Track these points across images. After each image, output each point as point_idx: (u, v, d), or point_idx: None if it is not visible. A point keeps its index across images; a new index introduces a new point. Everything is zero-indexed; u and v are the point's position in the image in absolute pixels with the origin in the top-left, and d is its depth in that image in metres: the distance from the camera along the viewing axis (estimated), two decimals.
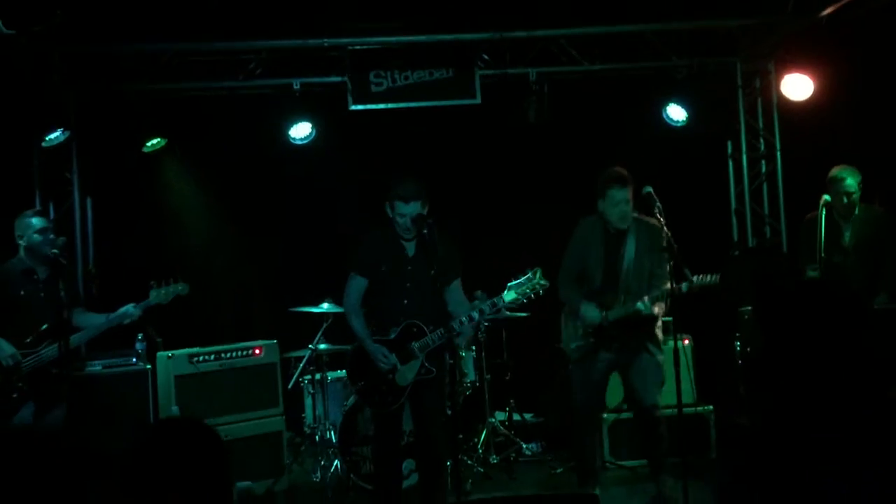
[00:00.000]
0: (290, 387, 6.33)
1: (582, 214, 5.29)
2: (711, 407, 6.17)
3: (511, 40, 6.68)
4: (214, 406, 5.72)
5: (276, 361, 6.10)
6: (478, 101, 6.84)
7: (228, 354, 5.91)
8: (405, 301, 4.64)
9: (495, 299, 4.64)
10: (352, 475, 5.71)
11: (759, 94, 7.31)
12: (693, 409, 5.79)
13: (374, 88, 6.81)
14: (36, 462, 1.84)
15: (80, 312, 5.15)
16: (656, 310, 4.91)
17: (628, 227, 5.03)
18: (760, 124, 7.35)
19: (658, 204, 4.92)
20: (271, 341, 6.10)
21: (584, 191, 6.02)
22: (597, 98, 7.09)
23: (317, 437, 6.15)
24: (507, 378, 6.71)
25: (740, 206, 7.38)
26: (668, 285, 4.74)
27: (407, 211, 4.59)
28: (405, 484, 5.39)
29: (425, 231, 4.51)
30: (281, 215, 7.33)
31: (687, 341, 6.09)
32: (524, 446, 6.51)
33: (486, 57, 6.89)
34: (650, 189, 4.98)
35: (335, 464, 5.95)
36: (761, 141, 7.37)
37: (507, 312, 5.71)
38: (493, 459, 6.26)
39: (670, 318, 5.32)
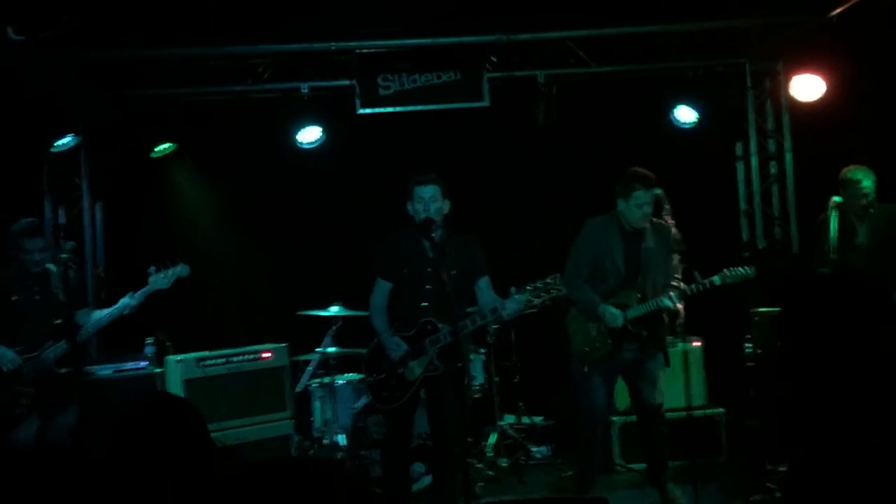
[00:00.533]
0: (298, 390, 6.33)
1: (591, 216, 5.27)
2: (723, 409, 6.14)
3: (519, 42, 6.68)
4: (223, 410, 5.73)
5: (284, 365, 6.10)
6: (486, 103, 6.83)
7: (237, 358, 5.92)
8: (425, 303, 4.66)
9: (510, 298, 4.53)
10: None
11: (769, 94, 7.28)
12: (703, 411, 5.77)
13: (382, 92, 6.81)
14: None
15: (85, 313, 5.09)
16: (680, 306, 4.93)
17: (644, 227, 5.04)
18: (770, 125, 7.31)
19: (668, 205, 4.93)
20: (280, 345, 6.10)
21: (593, 192, 6.01)
22: (605, 100, 7.07)
23: (325, 441, 6.15)
24: (516, 381, 6.69)
25: (750, 207, 7.34)
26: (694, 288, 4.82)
27: (426, 194, 4.59)
28: (416, 487, 5.40)
29: (433, 234, 4.51)
30: (289, 219, 7.34)
31: (698, 343, 6.07)
32: (533, 449, 6.49)
33: (493, 59, 6.88)
34: (660, 190, 4.99)
35: None
36: (771, 142, 7.33)
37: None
38: (503, 463, 6.24)
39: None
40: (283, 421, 6.01)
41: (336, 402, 6.14)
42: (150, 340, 6.11)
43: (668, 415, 5.18)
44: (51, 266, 4.84)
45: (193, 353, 5.83)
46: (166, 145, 6.76)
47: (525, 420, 6.76)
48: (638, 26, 6.68)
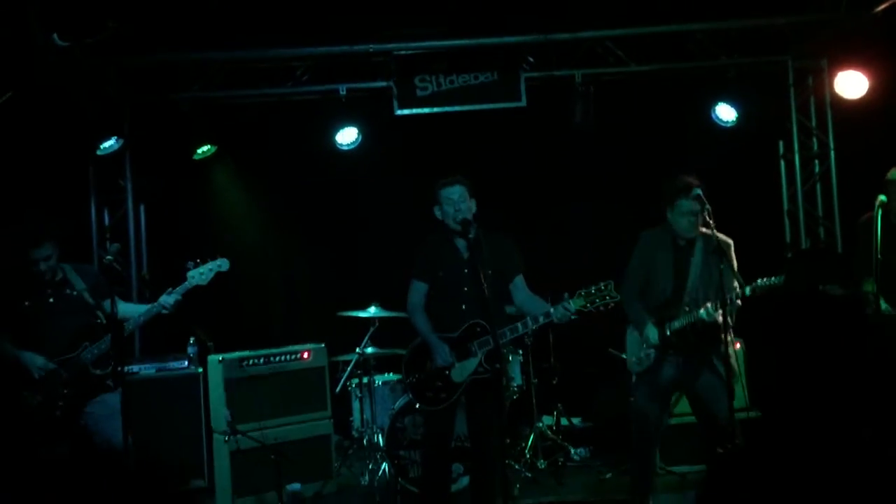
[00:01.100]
0: (337, 390, 6.38)
1: (631, 215, 5.24)
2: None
3: (556, 42, 6.65)
4: (264, 409, 5.78)
5: (324, 365, 6.14)
6: (523, 103, 6.82)
7: (277, 358, 5.97)
8: (463, 306, 4.63)
9: (563, 304, 4.49)
10: (399, 479, 5.72)
11: (812, 92, 7.17)
12: (746, 413, 5.69)
13: (419, 93, 6.84)
14: None
15: (118, 302, 4.80)
16: (719, 318, 4.76)
17: (695, 236, 4.95)
18: (813, 123, 7.20)
19: (707, 206, 4.85)
20: (319, 345, 6.15)
21: (633, 192, 5.97)
22: (644, 99, 7.01)
23: (364, 441, 6.19)
24: (555, 382, 6.67)
25: (793, 207, 7.23)
26: (736, 295, 4.68)
27: (454, 195, 4.59)
28: (454, 487, 5.41)
29: (471, 235, 4.52)
30: (328, 220, 7.40)
31: (738, 345, 5.99)
32: (572, 451, 6.47)
33: (531, 59, 6.86)
34: (699, 191, 4.91)
35: (383, 467, 5.98)
36: (814, 140, 7.22)
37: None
38: (541, 464, 6.23)
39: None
40: (322, 420, 6.05)
41: (374, 402, 6.18)
42: (192, 340, 6.21)
43: None
44: (65, 266, 4.76)
45: (234, 352, 5.90)
46: (208, 147, 6.86)
47: (564, 422, 6.74)
48: (677, 24, 6.61)
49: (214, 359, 5.84)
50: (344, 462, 6.37)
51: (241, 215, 7.48)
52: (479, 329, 4.58)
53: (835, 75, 6.65)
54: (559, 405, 6.73)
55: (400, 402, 5.87)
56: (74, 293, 4.76)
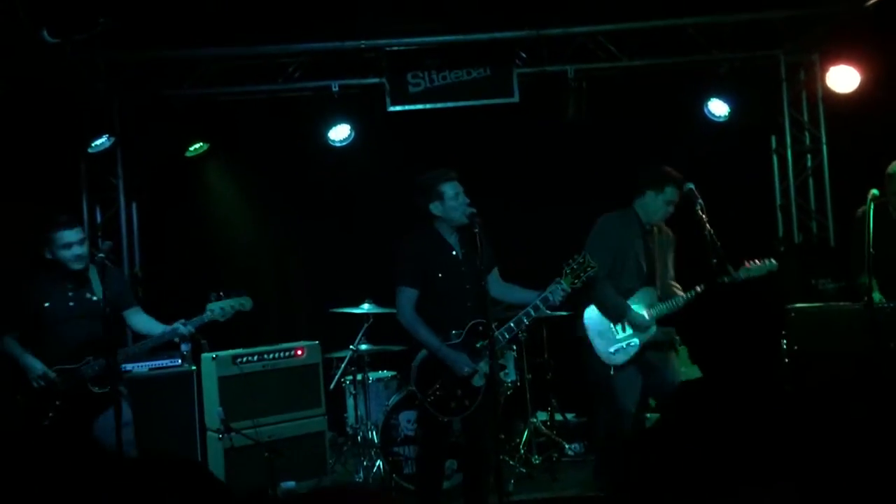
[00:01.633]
0: (332, 387, 6.37)
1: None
2: None
3: (548, 37, 6.65)
4: (257, 407, 5.77)
5: (318, 362, 6.14)
6: (516, 99, 6.82)
7: (271, 355, 5.97)
8: (468, 303, 4.50)
9: (557, 285, 4.45)
10: (394, 475, 5.72)
11: (804, 86, 7.19)
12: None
13: (411, 89, 6.83)
14: None
15: (135, 312, 4.85)
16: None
17: (659, 224, 5.07)
18: (805, 118, 7.22)
19: (700, 201, 4.87)
20: (313, 342, 6.14)
21: (625, 187, 5.95)
22: (636, 94, 7.01)
23: (359, 438, 6.19)
24: (549, 377, 6.67)
25: (786, 201, 7.25)
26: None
27: (459, 188, 4.52)
28: (447, 484, 5.39)
29: (476, 230, 4.41)
30: (321, 217, 7.39)
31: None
32: (566, 446, 6.48)
33: (523, 55, 6.86)
34: (692, 186, 4.93)
35: (377, 464, 5.98)
36: (806, 135, 7.23)
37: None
38: (536, 460, 6.23)
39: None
40: (316, 417, 6.04)
41: (369, 398, 6.17)
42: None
43: None
44: (92, 267, 4.62)
45: (228, 350, 5.89)
46: (200, 145, 6.84)
47: (558, 417, 6.75)
48: (669, 19, 6.61)
49: (208, 356, 5.83)
50: (338, 459, 6.37)
51: (234, 212, 7.47)
52: (480, 328, 4.47)
53: (827, 70, 6.67)
54: (553, 400, 6.73)
55: (394, 399, 5.87)
56: (94, 298, 4.59)
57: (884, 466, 1.82)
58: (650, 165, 5.10)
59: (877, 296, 5.27)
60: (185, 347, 6.18)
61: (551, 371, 6.67)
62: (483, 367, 4.47)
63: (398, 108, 6.84)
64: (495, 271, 4.73)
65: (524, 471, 6.06)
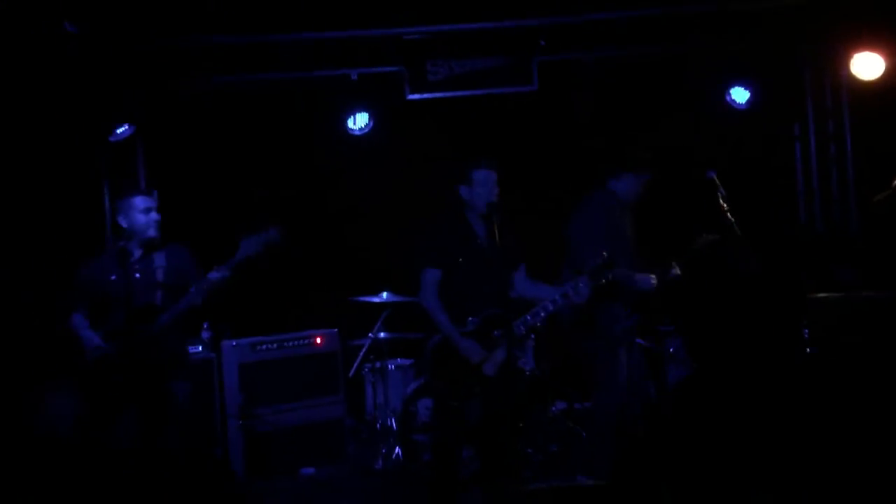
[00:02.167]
0: (350, 375, 6.41)
1: (644, 197, 5.18)
2: None
3: (568, 25, 6.60)
4: (277, 393, 5.83)
5: (337, 350, 6.18)
6: (535, 87, 6.79)
7: (291, 343, 6.02)
8: (487, 291, 4.50)
9: (577, 283, 4.42)
10: (412, 462, 5.75)
11: (827, 73, 7.09)
12: None
13: (431, 77, 6.80)
14: None
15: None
16: None
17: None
18: (829, 104, 7.12)
19: (721, 190, 4.83)
20: (332, 330, 6.18)
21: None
22: (658, 81, 6.95)
23: (377, 425, 6.22)
24: (568, 366, 6.66)
25: (808, 189, 7.18)
26: None
27: (491, 178, 4.52)
28: (463, 472, 5.41)
29: (495, 221, 4.43)
30: (340, 205, 7.41)
31: None
32: (584, 435, 6.46)
33: (543, 43, 6.81)
34: (713, 174, 4.89)
35: (396, 451, 6.01)
36: (830, 122, 7.14)
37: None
38: (553, 448, 6.23)
39: None
40: (335, 405, 6.09)
41: (387, 386, 6.20)
42: (206, 325, 6.25)
43: None
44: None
45: (248, 337, 5.93)
46: (219, 133, 6.87)
47: (576, 406, 6.74)
48: (691, 5, 6.53)
49: (228, 344, 5.89)
50: (357, 446, 6.40)
51: (254, 201, 7.49)
52: (497, 317, 4.48)
53: (851, 56, 6.57)
54: (571, 389, 6.72)
55: (412, 386, 5.90)
56: (154, 268, 4.66)
57: None
58: (632, 146, 5.09)
59: None
60: (205, 335, 6.24)
61: (570, 359, 6.66)
62: (498, 355, 4.47)
63: (417, 96, 6.82)
64: (523, 269, 4.69)
65: (542, 458, 6.06)
